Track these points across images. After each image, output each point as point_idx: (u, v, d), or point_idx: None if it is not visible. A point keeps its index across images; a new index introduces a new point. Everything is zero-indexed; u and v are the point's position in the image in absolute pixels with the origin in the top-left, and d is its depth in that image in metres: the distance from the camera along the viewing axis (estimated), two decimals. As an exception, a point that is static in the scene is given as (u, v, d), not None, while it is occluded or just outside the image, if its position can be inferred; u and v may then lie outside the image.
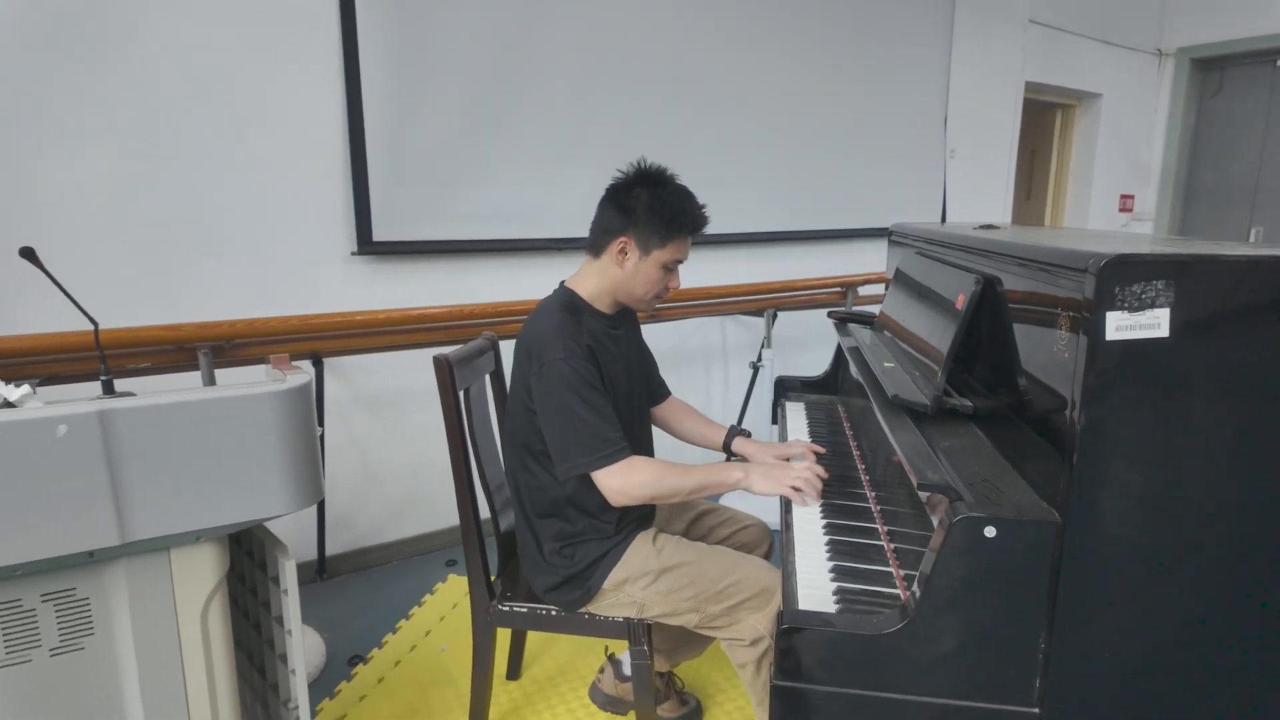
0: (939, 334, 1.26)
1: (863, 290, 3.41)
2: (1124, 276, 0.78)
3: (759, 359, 3.12)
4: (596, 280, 1.52)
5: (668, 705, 1.77)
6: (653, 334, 3.07)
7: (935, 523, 0.94)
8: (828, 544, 1.26)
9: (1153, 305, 0.78)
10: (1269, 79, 4.94)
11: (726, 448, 1.71)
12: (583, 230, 2.95)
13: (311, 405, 1.24)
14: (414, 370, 2.61)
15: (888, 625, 0.91)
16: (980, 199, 4.43)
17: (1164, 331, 0.78)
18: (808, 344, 3.60)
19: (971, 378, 1.33)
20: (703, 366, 3.41)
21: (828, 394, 2.23)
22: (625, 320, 1.61)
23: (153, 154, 2.08)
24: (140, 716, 1.18)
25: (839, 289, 3.31)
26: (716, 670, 1.98)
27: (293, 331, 2.11)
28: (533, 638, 2.09)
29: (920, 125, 3.99)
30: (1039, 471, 0.95)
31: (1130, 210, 5.38)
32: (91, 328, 1.29)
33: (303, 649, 1.36)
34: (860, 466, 1.64)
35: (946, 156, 4.14)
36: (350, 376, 2.53)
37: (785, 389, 2.25)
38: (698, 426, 1.76)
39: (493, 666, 1.65)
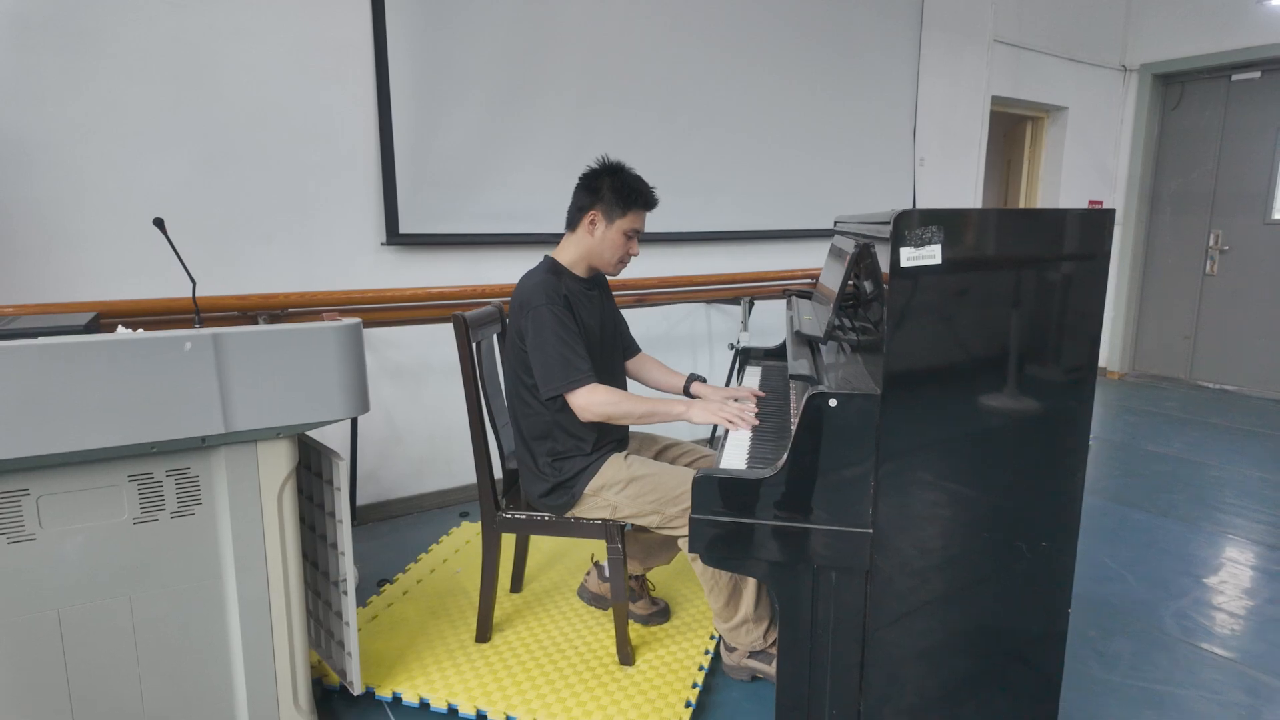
0: (835, 287, 1.66)
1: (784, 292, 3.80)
2: (909, 224, 1.17)
3: (737, 341, 3.52)
4: (573, 249, 1.94)
5: (640, 604, 2.16)
6: (644, 320, 3.50)
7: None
8: (751, 444, 1.65)
9: (930, 243, 1.17)
10: (1224, 93, 5.31)
11: (686, 390, 2.09)
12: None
13: (360, 339, 1.64)
14: (433, 346, 3.03)
15: (766, 472, 1.30)
16: (949, 203, 4.82)
17: (937, 260, 1.18)
18: (781, 332, 3.99)
19: (867, 323, 1.72)
20: (689, 350, 3.81)
21: (783, 360, 2.61)
22: (598, 284, 2.02)
23: (219, 161, 2.52)
24: (233, 570, 1.59)
25: (809, 280, 3.70)
26: (683, 584, 2.37)
27: (336, 303, 2.53)
28: (531, 561, 2.48)
29: (891, 134, 4.39)
30: (878, 371, 1.34)
31: (1099, 215, 5.73)
32: (190, 286, 1.71)
33: (350, 535, 1.75)
34: (793, 408, 2.02)
35: (916, 164, 4.54)
36: (378, 349, 2.95)
37: (749, 357, 2.65)
38: (662, 374, 2.16)
39: (498, 562, 2.04)
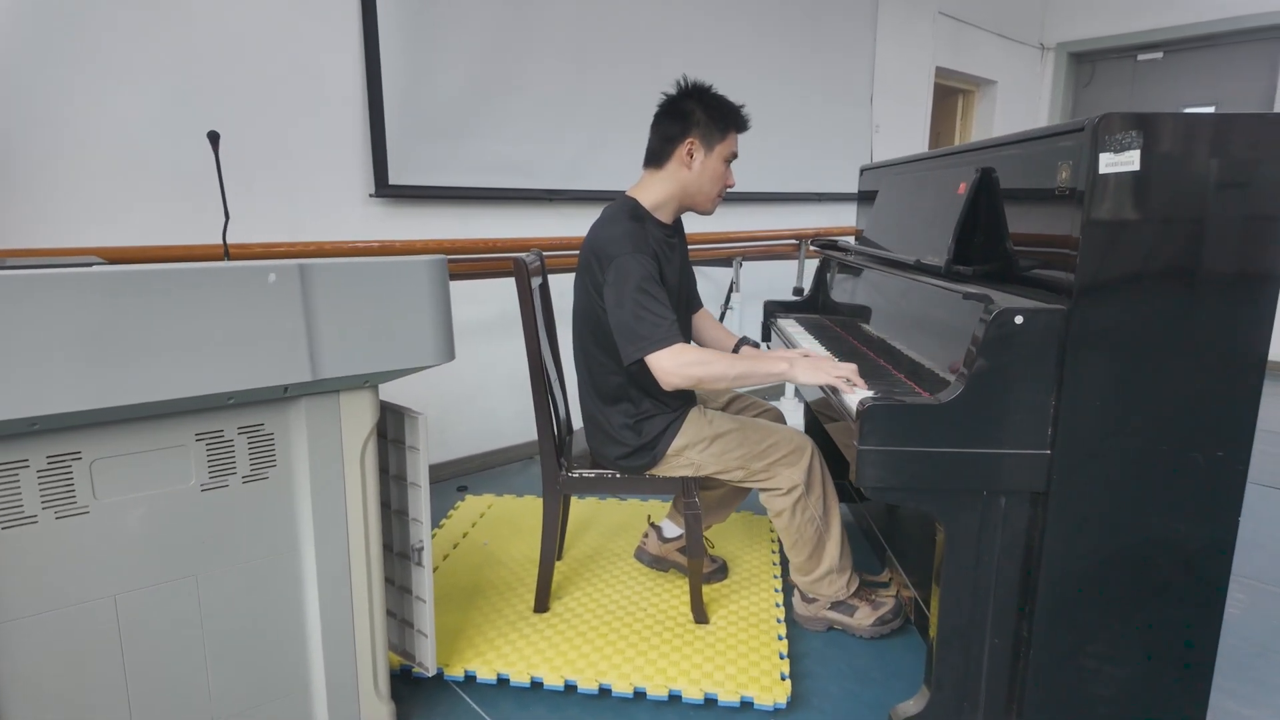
0: (943, 218, 1.62)
1: (812, 246, 3.80)
2: (1110, 128, 1.14)
3: (727, 303, 3.46)
4: (663, 188, 1.73)
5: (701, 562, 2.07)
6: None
7: (977, 326, 1.28)
8: (869, 386, 1.57)
9: (1130, 148, 1.14)
10: (1131, 72, 5.71)
11: (736, 351, 1.96)
12: (573, 184, 3.22)
13: (446, 277, 1.46)
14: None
15: (947, 396, 1.24)
16: (900, 171, 4.94)
17: (1136, 166, 1.15)
18: (774, 293, 3.96)
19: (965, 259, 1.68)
20: (672, 314, 3.72)
21: (811, 313, 2.58)
22: (678, 231, 1.85)
23: (195, 101, 2.20)
24: (310, 538, 1.38)
25: (794, 240, 3.69)
26: (728, 542, 2.30)
27: (334, 254, 2.28)
28: (570, 526, 2.34)
29: (851, 103, 4.44)
30: (1035, 292, 1.30)
31: (1021, 186, 6.06)
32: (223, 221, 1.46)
33: (428, 502, 1.57)
34: (868, 352, 1.98)
35: (873, 131, 4.62)
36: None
37: (773, 310, 2.58)
38: (717, 333, 2.03)
39: (559, 527, 1.90)
